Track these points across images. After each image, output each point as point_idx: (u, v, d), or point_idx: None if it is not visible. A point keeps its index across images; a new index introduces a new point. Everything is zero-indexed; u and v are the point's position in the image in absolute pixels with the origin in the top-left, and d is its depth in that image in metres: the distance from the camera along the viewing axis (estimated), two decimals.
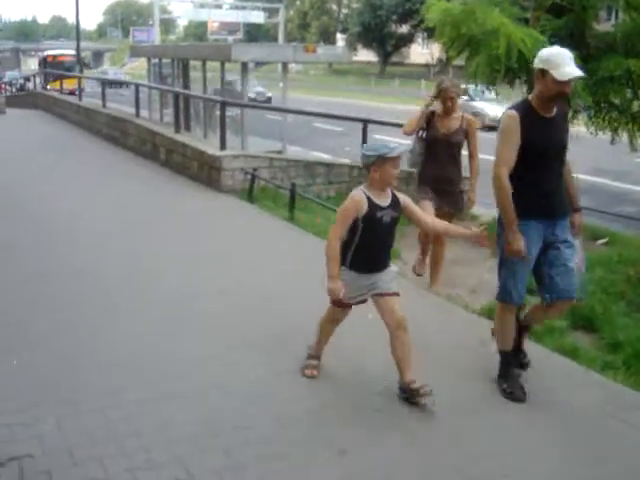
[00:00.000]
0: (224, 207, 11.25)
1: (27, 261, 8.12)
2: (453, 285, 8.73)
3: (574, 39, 11.30)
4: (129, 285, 7.34)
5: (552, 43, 10.48)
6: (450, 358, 5.80)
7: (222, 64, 15.87)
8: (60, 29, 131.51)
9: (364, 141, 13.55)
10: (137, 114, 16.90)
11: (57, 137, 19.81)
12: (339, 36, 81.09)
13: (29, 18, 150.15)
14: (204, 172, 12.46)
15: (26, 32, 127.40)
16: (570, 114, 11.87)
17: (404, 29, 71.43)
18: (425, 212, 5.62)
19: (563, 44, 10.71)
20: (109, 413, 4.59)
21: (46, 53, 46.28)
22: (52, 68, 39.35)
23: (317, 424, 4.61)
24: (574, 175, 5.44)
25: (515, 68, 10.50)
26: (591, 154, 19.04)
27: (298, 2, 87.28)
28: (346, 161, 14.22)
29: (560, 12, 11.43)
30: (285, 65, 15.81)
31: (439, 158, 7.58)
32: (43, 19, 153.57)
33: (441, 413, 4.79)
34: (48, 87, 31.08)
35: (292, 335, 6.02)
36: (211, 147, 12.67)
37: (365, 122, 13.81)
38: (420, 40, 75.14)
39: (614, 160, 21.77)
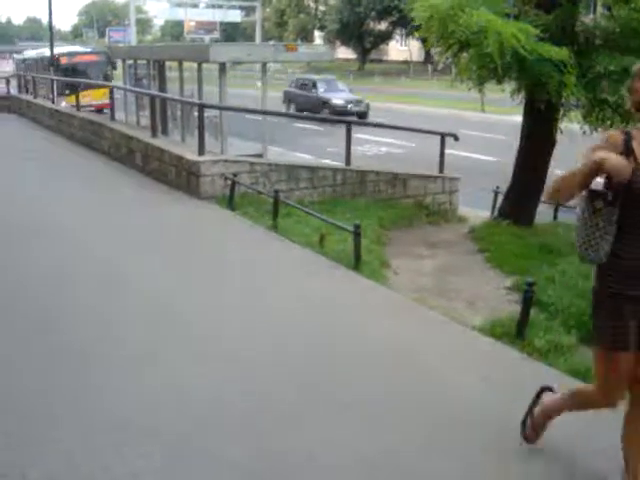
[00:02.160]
0: (204, 216, 10.69)
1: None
2: (450, 297, 8.28)
3: (565, 34, 10.90)
4: (105, 297, 6.81)
5: (543, 39, 10.09)
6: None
7: (199, 65, 15.32)
8: (35, 30, 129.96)
9: (348, 142, 13.12)
10: (112, 117, 16.31)
11: (29, 141, 19.18)
12: (317, 34, 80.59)
13: (3, 20, 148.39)
14: (182, 178, 11.91)
15: (0, 34, 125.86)
16: (562, 112, 11.53)
17: (382, 26, 71.06)
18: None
19: (554, 40, 10.36)
20: None
21: (56, 52, 29.64)
22: (68, 74, 26.87)
23: None
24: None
25: (506, 65, 10.06)
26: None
27: (275, 0, 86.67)
28: (330, 163, 13.72)
29: (549, 7, 11.02)
30: (264, 65, 15.26)
31: None
32: (18, 20, 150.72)
33: None
34: (63, 104, 22.49)
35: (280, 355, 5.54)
36: (189, 152, 12.11)
37: (349, 123, 13.36)
38: (398, 37, 74.87)
39: None
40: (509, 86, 11.50)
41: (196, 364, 5.48)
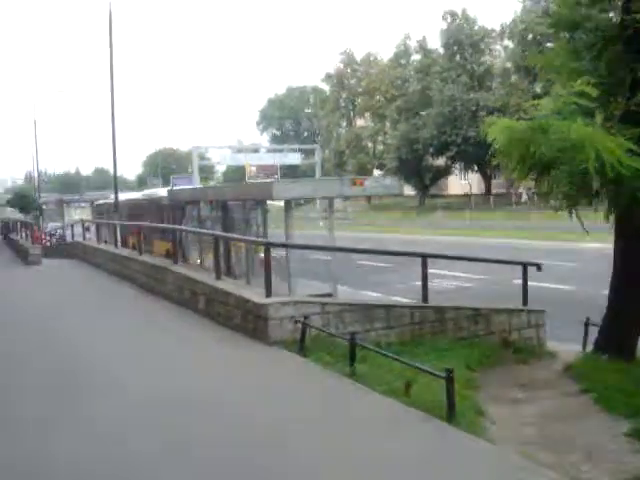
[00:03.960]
0: (273, 364, 9.73)
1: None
2: (561, 449, 7.12)
3: None
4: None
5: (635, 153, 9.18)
6: None
7: (263, 204, 14.85)
8: (103, 181, 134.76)
9: (424, 276, 12.29)
10: (175, 261, 15.77)
11: (91, 286, 18.80)
12: (376, 172, 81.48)
13: (72, 171, 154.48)
14: (249, 322, 11.09)
15: (70, 184, 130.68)
16: None
17: (441, 161, 71.41)
18: None
19: None
20: None
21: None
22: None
23: None
24: None
25: (600, 183, 9.19)
26: None
27: (333, 142, 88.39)
28: (406, 301, 12.82)
29: (637, 119, 10.18)
30: (331, 201, 14.64)
31: None
32: (86, 171, 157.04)
33: None
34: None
35: None
36: (256, 294, 11.34)
37: (424, 256, 12.53)
38: (457, 171, 75.11)
39: None
40: (601, 207, 10.58)
41: None
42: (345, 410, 7.68)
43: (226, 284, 12.76)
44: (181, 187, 31.53)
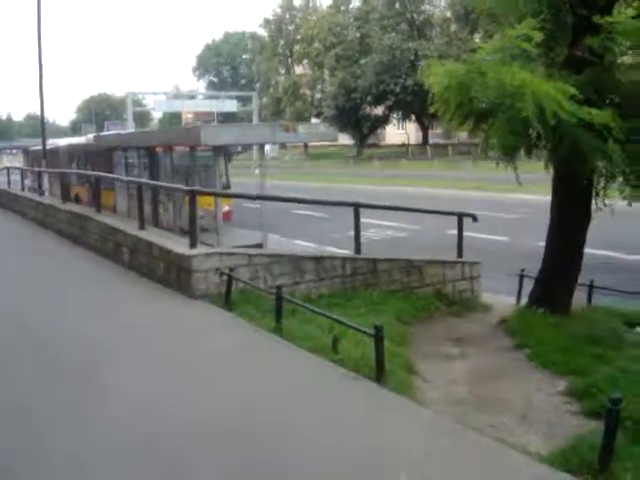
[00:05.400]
0: (195, 320, 9.14)
1: None
2: (495, 409, 6.79)
3: (601, 96, 9.67)
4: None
5: (578, 101, 8.79)
6: None
7: (192, 149, 14.14)
8: (35, 127, 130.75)
9: (357, 227, 11.86)
10: (98, 210, 15.01)
11: (7, 236, 17.90)
12: (313, 121, 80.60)
13: (4, 117, 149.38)
14: (172, 274, 10.51)
15: (0, 131, 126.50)
16: (602, 183, 10.23)
17: (379, 111, 70.89)
18: None
19: (590, 102, 9.08)
20: None
21: None
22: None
23: None
24: None
25: (539, 132, 8.81)
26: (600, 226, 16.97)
27: (271, 89, 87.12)
28: (338, 252, 12.37)
29: (579, 66, 9.80)
30: (262, 147, 14.03)
31: None
32: (18, 117, 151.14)
33: None
34: None
35: None
36: (180, 245, 10.73)
37: (356, 206, 12.06)
38: (395, 121, 74.72)
39: (626, 231, 20.00)
40: (539, 158, 10.25)
41: None
42: (266, 368, 7.20)
43: (149, 234, 12.10)
44: None
